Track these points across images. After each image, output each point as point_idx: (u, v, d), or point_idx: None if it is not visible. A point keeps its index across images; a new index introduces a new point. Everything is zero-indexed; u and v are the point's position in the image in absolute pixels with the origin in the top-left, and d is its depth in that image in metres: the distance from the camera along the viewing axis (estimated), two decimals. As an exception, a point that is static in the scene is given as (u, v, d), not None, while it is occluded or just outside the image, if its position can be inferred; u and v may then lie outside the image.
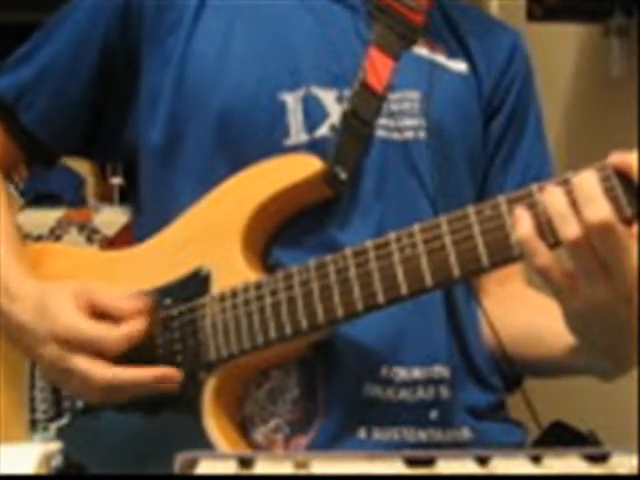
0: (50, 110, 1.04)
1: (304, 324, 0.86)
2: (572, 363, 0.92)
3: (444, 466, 0.58)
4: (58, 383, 0.94)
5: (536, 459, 0.59)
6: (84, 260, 1.04)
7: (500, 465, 0.58)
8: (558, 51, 1.97)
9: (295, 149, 0.94)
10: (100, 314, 0.90)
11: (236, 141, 0.96)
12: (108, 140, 1.06)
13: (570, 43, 1.94)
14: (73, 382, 0.90)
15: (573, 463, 0.58)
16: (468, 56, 1.05)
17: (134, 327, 0.89)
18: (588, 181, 0.75)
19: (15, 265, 0.97)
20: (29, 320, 0.92)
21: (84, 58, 1.03)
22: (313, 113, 0.95)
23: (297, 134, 0.95)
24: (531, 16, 1.80)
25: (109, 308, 0.90)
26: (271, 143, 0.95)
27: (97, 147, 1.08)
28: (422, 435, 0.92)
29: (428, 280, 0.82)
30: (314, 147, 0.94)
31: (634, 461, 0.58)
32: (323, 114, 0.96)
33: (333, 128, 0.95)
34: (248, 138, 0.95)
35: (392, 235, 0.84)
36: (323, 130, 0.95)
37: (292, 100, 0.95)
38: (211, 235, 0.93)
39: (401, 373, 0.92)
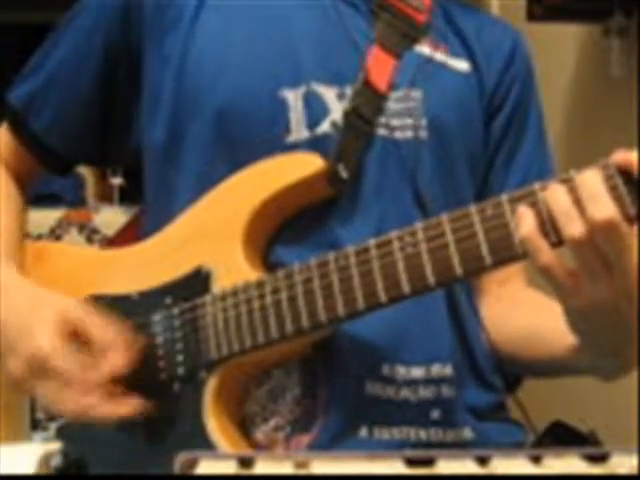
0: (58, 116, 1.06)
1: (305, 323, 0.86)
2: (573, 363, 0.92)
3: (444, 466, 0.58)
4: (22, 393, 0.94)
5: (536, 459, 0.59)
6: (84, 259, 1.04)
7: (500, 465, 0.58)
8: (558, 51, 1.97)
9: (296, 146, 0.95)
10: (79, 340, 0.89)
11: (237, 138, 0.96)
12: (118, 143, 1.07)
13: (570, 43, 1.94)
14: (35, 396, 0.91)
15: (573, 463, 0.58)
16: (470, 55, 1.05)
17: (115, 366, 0.88)
18: (592, 179, 0.75)
19: (11, 264, 0.97)
20: (8, 322, 0.91)
21: (88, 63, 1.04)
22: (314, 110, 0.95)
23: (298, 131, 0.95)
24: (531, 16, 1.79)
25: (93, 341, 0.89)
26: (272, 140, 0.95)
27: (108, 151, 1.09)
28: (423, 434, 0.92)
29: (430, 279, 0.82)
30: (315, 144, 0.94)
31: (634, 461, 0.58)
32: (324, 111, 0.96)
33: (334, 125, 0.95)
34: (249, 135, 0.95)
35: (394, 233, 0.84)
36: (324, 127, 0.95)
37: (293, 97, 0.95)
38: (212, 234, 0.93)
39: (403, 372, 0.92)
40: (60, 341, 0.88)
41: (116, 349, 0.89)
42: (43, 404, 0.91)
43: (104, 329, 0.90)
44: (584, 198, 0.75)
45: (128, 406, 0.88)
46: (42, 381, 0.88)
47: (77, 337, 0.89)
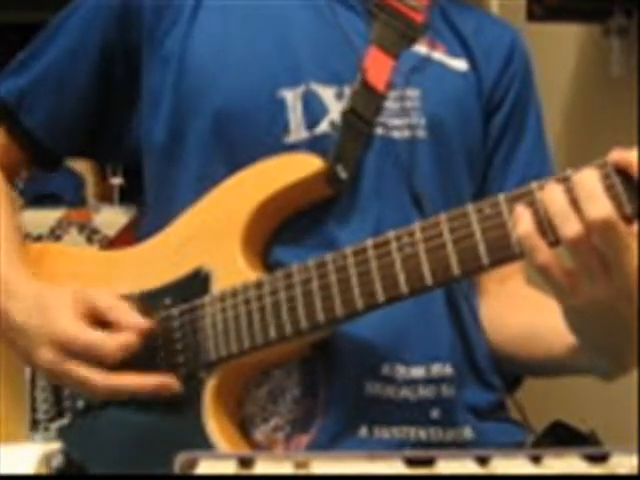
0: (51, 113, 1.05)
1: (304, 323, 0.86)
2: (572, 363, 0.92)
3: (444, 466, 0.58)
4: (59, 383, 0.95)
5: (536, 459, 0.59)
6: (84, 260, 1.04)
7: (500, 465, 0.58)
8: (558, 51, 1.97)
9: (295, 146, 0.95)
10: (99, 320, 0.90)
11: (236, 139, 0.96)
12: (110, 141, 1.07)
13: (570, 43, 1.94)
14: (71, 384, 0.91)
15: (573, 463, 0.58)
16: (468, 54, 1.05)
17: (130, 337, 0.89)
18: (589, 178, 0.75)
19: (15, 264, 0.97)
20: (26, 321, 0.91)
21: (83, 61, 1.03)
22: (313, 110, 0.96)
23: (297, 131, 0.95)
24: (531, 16, 1.79)
25: (108, 315, 0.90)
26: (271, 140, 0.95)
27: (100, 148, 1.09)
28: (423, 434, 0.92)
29: (428, 279, 0.82)
30: (314, 144, 0.95)
31: (634, 461, 0.57)
32: (323, 111, 0.96)
33: (333, 125, 0.95)
34: (248, 136, 0.95)
35: (392, 233, 0.84)
36: (323, 127, 0.95)
37: (292, 97, 0.95)
38: (211, 234, 0.93)
39: (402, 371, 0.92)
40: (80, 319, 0.89)
41: (131, 316, 0.90)
42: (77, 387, 0.91)
43: (117, 304, 0.91)
44: (580, 197, 0.75)
45: (158, 380, 0.89)
46: (73, 361, 0.89)
47: (94, 315, 0.90)
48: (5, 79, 1.07)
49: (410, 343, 0.93)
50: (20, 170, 1.12)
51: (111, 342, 0.88)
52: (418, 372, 0.92)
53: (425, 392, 0.92)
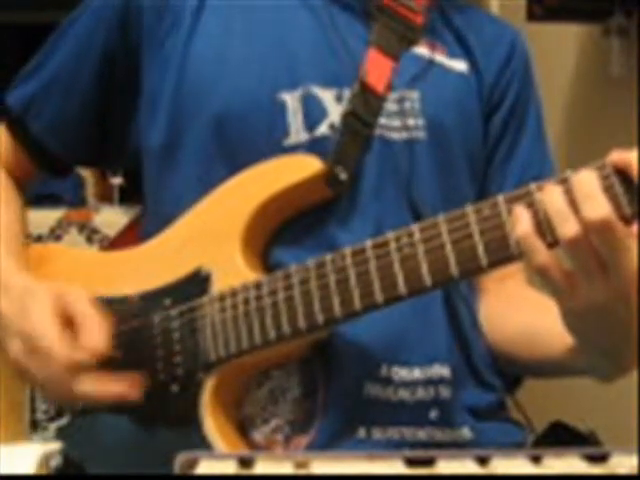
0: (57, 119, 1.06)
1: (303, 324, 0.86)
2: (571, 364, 0.92)
3: (444, 466, 0.58)
4: (23, 378, 0.92)
5: (536, 459, 0.59)
6: (85, 261, 1.04)
7: (500, 465, 0.58)
8: (558, 51, 1.98)
9: (295, 148, 0.95)
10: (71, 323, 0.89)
11: (236, 141, 0.96)
12: (116, 146, 1.07)
13: (570, 43, 1.94)
14: (32, 381, 0.90)
15: (573, 463, 0.58)
16: (468, 54, 1.05)
17: (83, 357, 0.86)
18: (587, 179, 0.75)
19: (8, 259, 0.97)
20: (7, 313, 0.91)
21: (86, 67, 1.04)
22: (312, 112, 0.95)
23: (297, 133, 0.95)
24: (531, 16, 1.80)
25: (79, 324, 0.88)
26: (271, 143, 0.95)
27: (106, 154, 1.09)
28: (422, 435, 0.92)
29: (427, 279, 0.81)
30: (314, 146, 0.94)
31: (634, 461, 0.58)
32: (322, 113, 0.96)
33: (332, 127, 0.95)
34: (248, 138, 0.95)
35: (391, 234, 0.84)
36: (323, 129, 0.95)
37: (291, 100, 0.95)
38: (211, 236, 0.93)
39: (401, 372, 0.92)
40: (54, 322, 0.87)
41: (96, 328, 0.87)
42: (37, 386, 0.90)
43: (88, 310, 0.88)
44: (579, 198, 0.74)
45: (118, 386, 0.87)
46: (34, 361, 0.87)
47: (68, 318, 0.89)
48: (15, 87, 1.08)
49: (408, 345, 0.93)
50: (31, 177, 1.12)
51: (61, 355, 0.86)
52: (416, 373, 0.92)
53: (423, 393, 0.92)
